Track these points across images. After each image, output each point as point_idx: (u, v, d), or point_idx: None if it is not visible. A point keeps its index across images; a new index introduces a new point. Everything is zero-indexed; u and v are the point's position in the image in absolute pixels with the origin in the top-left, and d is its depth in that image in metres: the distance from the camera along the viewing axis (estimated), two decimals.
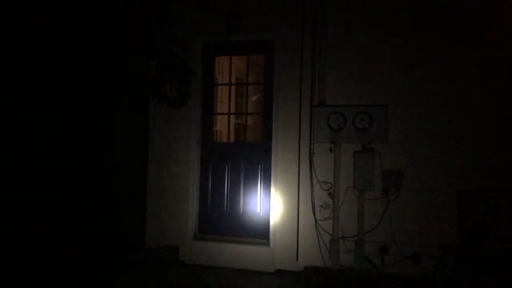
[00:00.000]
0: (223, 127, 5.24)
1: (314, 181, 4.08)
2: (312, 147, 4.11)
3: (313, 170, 4.09)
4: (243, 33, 4.36)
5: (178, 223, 4.46)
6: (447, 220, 3.79)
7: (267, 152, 4.34)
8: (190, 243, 4.42)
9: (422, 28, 3.95)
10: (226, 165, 4.50)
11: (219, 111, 5.11)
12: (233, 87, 5.05)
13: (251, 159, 4.43)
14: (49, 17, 3.29)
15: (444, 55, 3.88)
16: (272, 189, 4.26)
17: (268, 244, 4.24)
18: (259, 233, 4.35)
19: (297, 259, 4.11)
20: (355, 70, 4.06)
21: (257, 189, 4.41)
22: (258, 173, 4.41)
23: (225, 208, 4.48)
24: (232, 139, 5.38)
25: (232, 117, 5.31)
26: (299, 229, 4.12)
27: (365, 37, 4.05)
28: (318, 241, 4.04)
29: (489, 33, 3.81)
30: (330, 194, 4.03)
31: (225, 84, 5.17)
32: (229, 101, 4.91)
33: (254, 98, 5.86)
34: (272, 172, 4.27)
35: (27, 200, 3.23)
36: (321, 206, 4.06)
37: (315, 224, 4.06)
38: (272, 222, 4.23)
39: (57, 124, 3.48)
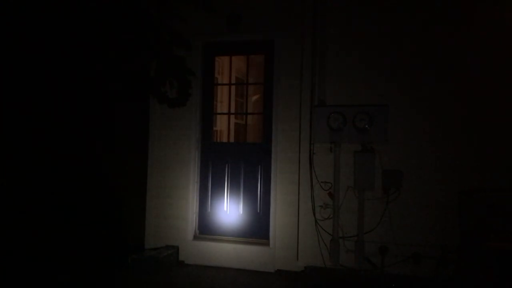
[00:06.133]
0: (223, 127, 5.24)
1: (314, 181, 4.08)
2: (312, 147, 4.10)
3: (313, 170, 4.08)
4: (243, 33, 4.36)
5: (178, 223, 4.46)
6: (447, 220, 3.79)
7: (267, 152, 4.34)
8: (190, 243, 4.42)
9: (423, 25, 3.95)
10: (226, 165, 4.50)
11: (219, 111, 5.12)
12: (233, 87, 5.05)
13: (251, 159, 4.43)
14: (48, 16, 3.28)
15: (445, 55, 3.89)
16: (272, 189, 4.25)
17: (268, 244, 4.24)
18: (259, 233, 4.35)
19: (297, 259, 4.11)
20: (355, 70, 4.06)
21: (257, 189, 4.41)
22: (258, 173, 4.41)
23: (225, 208, 4.48)
24: (232, 139, 5.38)
25: (232, 117, 5.31)
26: (299, 229, 4.12)
27: (365, 36, 4.05)
28: (318, 241, 4.04)
29: (489, 32, 3.82)
30: (330, 194, 4.03)
31: (225, 84, 5.17)
32: (229, 101, 4.91)
33: (254, 98, 5.86)
34: (272, 172, 4.27)
35: (27, 201, 3.22)
36: (321, 206, 4.06)
37: (315, 224, 4.06)
38: (272, 222, 4.23)
39: (57, 124, 3.47)
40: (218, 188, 4.52)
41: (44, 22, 3.27)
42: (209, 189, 4.54)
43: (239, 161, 4.47)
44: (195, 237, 4.47)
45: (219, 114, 5.12)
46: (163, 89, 4.14)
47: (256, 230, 4.37)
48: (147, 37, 3.81)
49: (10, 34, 3.07)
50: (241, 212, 4.44)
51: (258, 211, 4.39)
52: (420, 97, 3.92)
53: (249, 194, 4.42)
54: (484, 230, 3.44)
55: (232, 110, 5.14)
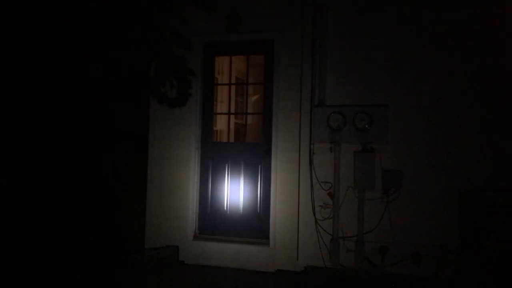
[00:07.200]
0: (223, 127, 5.24)
1: (314, 181, 4.08)
2: (312, 147, 4.11)
3: (313, 170, 4.09)
4: (243, 33, 4.36)
5: (178, 223, 4.46)
6: (447, 220, 3.79)
7: (267, 152, 4.34)
8: (190, 243, 4.42)
9: (424, 26, 3.95)
10: (226, 165, 4.50)
11: (219, 111, 5.12)
12: (233, 87, 5.05)
13: (251, 159, 4.43)
14: (47, 16, 3.28)
15: (445, 55, 3.89)
16: (272, 189, 4.25)
17: (268, 244, 4.24)
18: (259, 233, 4.35)
19: (297, 259, 4.11)
20: (355, 70, 4.06)
21: (257, 189, 4.41)
22: (258, 173, 4.41)
23: (225, 208, 4.48)
24: (232, 139, 5.39)
25: (232, 117, 5.31)
26: (299, 229, 4.12)
27: (365, 37, 4.06)
28: (318, 241, 4.04)
29: (489, 31, 3.82)
30: (330, 194, 4.03)
31: (225, 84, 5.17)
32: (229, 101, 4.91)
33: (254, 98, 5.86)
34: (272, 172, 4.27)
35: (27, 201, 3.22)
36: (321, 206, 4.06)
37: (315, 224, 4.06)
38: (272, 222, 4.23)
39: (57, 124, 3.47)
40: (218, 188, 4.52)
41: (44, 22, 3.27)
42: (209, 189, 4.54)
43: (239, 161, 4.47)
44: (195, 237, 4.47)
45: (219, 114, 5.11)
46: (163, 89, 4.14)
47: (256, 230, 4.37)
48: (147, 37, 3.81)
49: (9, 34, 3.07)
50: (241, 212, 4.44)
51: (258, 211, 4.39)
52: (420, 97, 3.92)
53: (249, 194, 4.42)
54: (484, 230, 3.44)
55: (232, 110, 5.14)
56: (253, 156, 4.43)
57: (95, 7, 3.43)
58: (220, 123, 5.36)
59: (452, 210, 3.78)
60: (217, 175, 4.53)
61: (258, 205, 4.39)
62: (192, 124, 4.49)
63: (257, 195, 4.40)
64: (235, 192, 4.47)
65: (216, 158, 4.54)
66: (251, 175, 4.43)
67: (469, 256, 3.48)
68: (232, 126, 5.34)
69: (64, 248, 3.52)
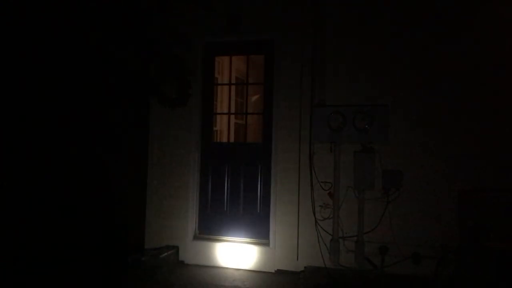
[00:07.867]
0: (223, 127, 5.24)
1: (314, 181, 4.08)
2: (312, 147, 4.11)
3: (313, 170, 4.09)
4: (243, 33, 4.36)
5: (178, 223, 4.46)
6: (447, 220, 3.79)
7: (267, 152, 4.34)
8: (190, 243, 4.42)
9: (424, 27, 3.96)
10: (226, 165, 4.50)
11: (219, 111, 5.12)
12: (233, 87, 5.05)
13: (251, 159, 4.43)
14: (47, 16, 3.28)
15: (445, 55, 3.89)
16: (272, 189, 4.25)
17: (268, 244, 4.24)
18: (259, 233, 4.35)
19: (297, 259, 4.11)
20: (355, 70, 4.06)
21: (257, 189, 4.41)
22: (258, 173, 4.41)
23: (225, 208, 4.48)
24: (232, 139, 5.39)
25: (232, 117, 5.31)
26: (299, 229, 4.12)
27: (365, 37, 4.05)
28: (318, 241, 4.04)
29: (488, 29, 3.82)
30: (330, 194, 4.03)
31: (225, 84, 5.18)
32: (229, 101, 4.91)
33: (254, 98, 5.86)
34: (272, 172, 4.27)
35: (27, 202, 3.22)
36: (321, 206, 4.06)
37: (315, 224, 4.06)
38: (272, 222, 4.23)
39: (56, 125, 3.47)
40: (218, 188, 4.52)
41: (44, 22, 3.27)
42: (209, 189, 4.54)
43: (239, 161, 4.47)
44: (195, 237, 4.47)
45: (219, 114, 5.12)
46: (163, 89, 4.15)
47: (256, 230, 4.37)
48: (147, 36, 3.82)
49: (9, 35, 3.07)
50: (241, 212, 4.44)
51: (258, 211, 4.39)
52: (421, 97, 3.92)
53: (249, 194, 4.42)
54: (484, 230, 3.44)
55: (232, 110, 5.14)
56: (253, 156, 4.43)
57: (95, 7, 3.43)
58: (220, 123, 5.36)
59: (452, 210, 3.78)
60: (217, 175, 4.52)
61: (258, 205, 4.39)
62: (192, 124, 4.49)
63: (257, 195, 4.40)
64: (235, 192, 4.47)
65: (216, 158, 4.54)
66: (251, 175, 4.42)
67: (469, 256, 3.48)
68: (232, 126, 5.34)
69: (64, 248, 3.52)
